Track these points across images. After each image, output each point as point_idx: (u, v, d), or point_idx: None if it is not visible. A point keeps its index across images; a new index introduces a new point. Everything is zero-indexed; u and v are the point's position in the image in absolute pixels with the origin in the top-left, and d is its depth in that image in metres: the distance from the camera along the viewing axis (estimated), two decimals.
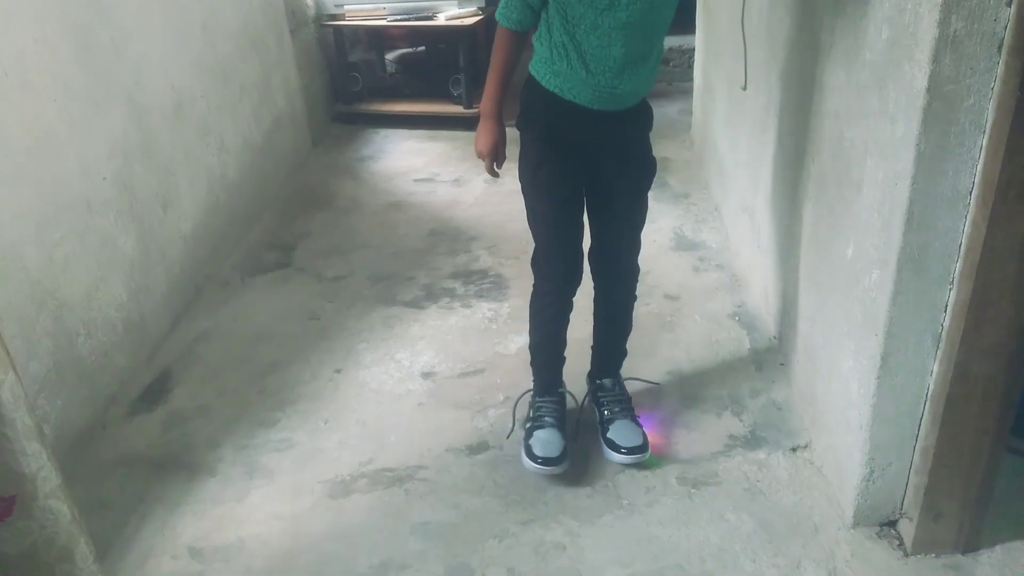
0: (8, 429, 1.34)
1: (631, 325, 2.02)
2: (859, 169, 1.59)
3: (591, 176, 1.77)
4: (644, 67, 1.66)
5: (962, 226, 1.40)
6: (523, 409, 2.03)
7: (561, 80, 1.66)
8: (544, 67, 1.69)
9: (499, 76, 1.74)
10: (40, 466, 1.40)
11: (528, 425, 1.94)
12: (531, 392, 2.02)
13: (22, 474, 1.37)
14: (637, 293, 1.98)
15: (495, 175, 1.85)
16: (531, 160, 1.76)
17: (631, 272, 1.94)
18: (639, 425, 1.93)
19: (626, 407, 1.97)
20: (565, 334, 1.96)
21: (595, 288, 1.95)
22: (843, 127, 1.67)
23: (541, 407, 1.96)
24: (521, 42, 1.73)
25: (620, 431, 1.91)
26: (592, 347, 2.04)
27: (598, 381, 2.03)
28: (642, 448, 1.88)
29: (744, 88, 1.90)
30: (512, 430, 2.00)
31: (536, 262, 1.87)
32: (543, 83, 1.69)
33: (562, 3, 1.59)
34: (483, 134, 1.79)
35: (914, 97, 1.34)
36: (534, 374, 2.01)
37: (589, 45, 1.60)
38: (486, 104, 1.78)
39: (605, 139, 1.74)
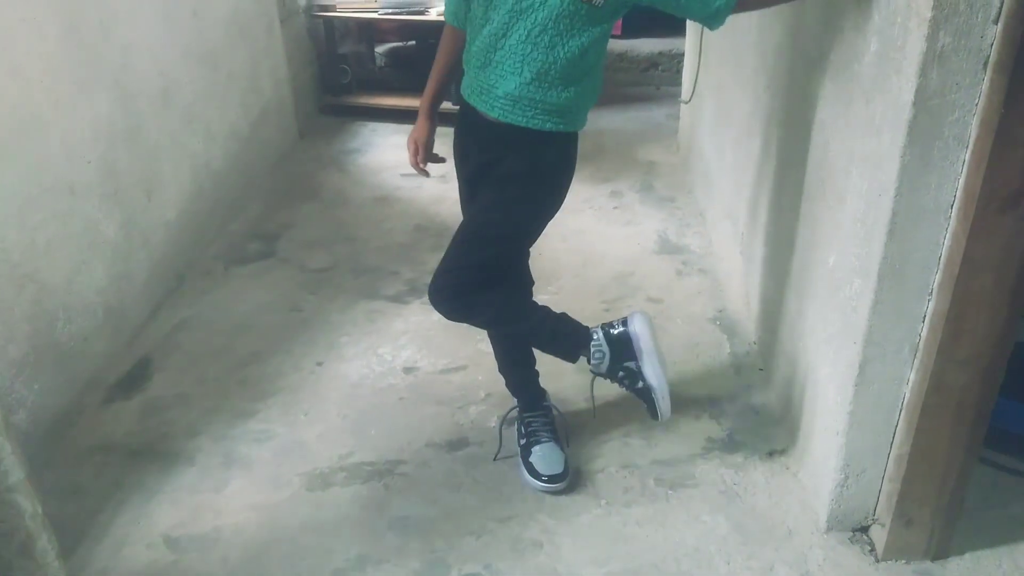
0: None
1: (530, 353, 1.93)
2: (843, 179, 1.61)
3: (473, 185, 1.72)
4: (509, 57, 1.51)
5: (942, 238, 1.43)
6: (510, 428, 1.98)
7: (464, 79, 1.64)
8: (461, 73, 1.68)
9: (435, 70, 1.76)
10: (2, 458, 1.38)
11: (523, 442, 1.91)
12: (516, 408, 1.99)
13: None
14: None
15: (420, 172, 1.83)
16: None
17: (438, 286, 1.66)
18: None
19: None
20: (524, 350, 1.92)
21: None
22: (829, 137, 1.69)
23: (532, 422, 1.93)
24: (461, 38, 1.68)
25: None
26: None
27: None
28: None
29: (687, 102, 1.89)
30: (499, 449, 1.96)
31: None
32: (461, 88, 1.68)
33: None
34: (418, 128, 1.81)
35: (900, 110, 1.36)
36: (513, 395, 1.99)
37: (471, 29, 1.57)
38: (424, 100, 1.79)
39: (480, 145, 1.64)
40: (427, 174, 1.86)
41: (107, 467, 1.94)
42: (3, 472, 1.37)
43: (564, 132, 1.60)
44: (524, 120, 1.56)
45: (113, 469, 1.93)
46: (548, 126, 1.57)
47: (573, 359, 1.78)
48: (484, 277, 1.63)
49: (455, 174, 1.79)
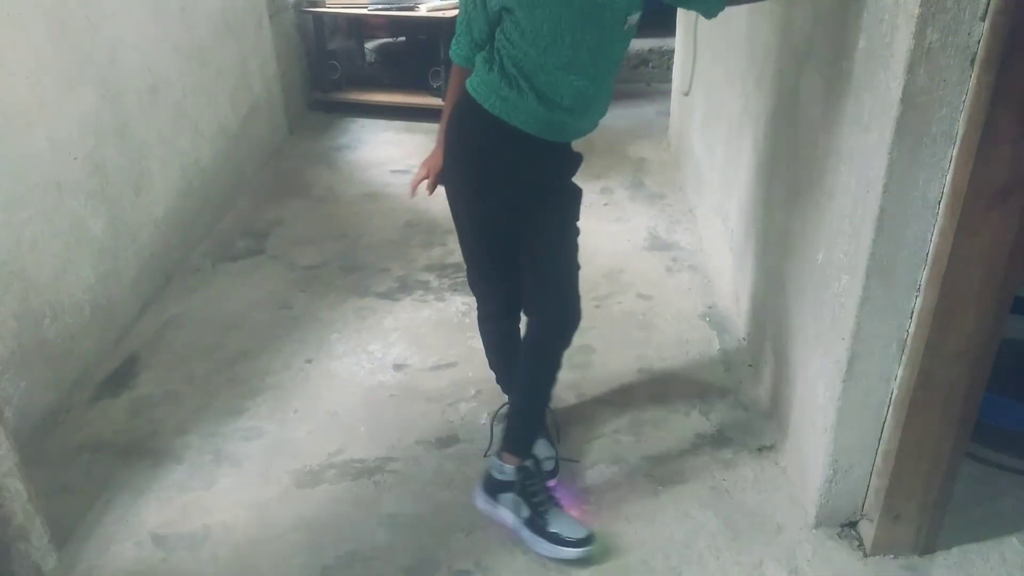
0: None
1: (548, 396, 1.81)
2: (832, 176, 1.61)
3: (518, 207, 1.69)
4: (596, 103, 1.62)
5: (930, 235, 1.43)
6: (501, 424, 1.94)
7: (509, 106, 1.58)
8: (488, 90, 1.59)
9: (450, 104, 1.72)
10: None
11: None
12: (507, 405, 1.94)
13: None
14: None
15: (419, 192, 1.80)
16: (467, 189, 1.70)
17: (577, 300, 1.72)
18: (553, 446, 1.88)
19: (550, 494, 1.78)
20: (517, 344, 1.83)
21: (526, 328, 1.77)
22: (818, 134, 1.69)
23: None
24: (469, 73, 1.68)
25: (562, 522, 1.71)
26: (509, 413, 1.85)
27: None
28: (553, 473, 1.81)
29: (687, 94, 1.90)
30: (490, 446, 1.95)
31: (471, 285, 1.88)
32: (484, 105, 1.59)
33: (508, 41, 1.55)
34: (435, 156, 1.77)
35: (888, 106, 1.36)
36: (504, 391, 1.99)
37: (539, 82, 1.56)
38: (441, 130, 1.75)
39: (544, 168, 1.67)
40: (427, 194, 1.82)
41: (95, 465, 1.93)
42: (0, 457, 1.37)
43: None
44: (593, 128, 1.69)
45: (101, 467, 1.92)
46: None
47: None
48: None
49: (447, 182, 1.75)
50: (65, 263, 2.14)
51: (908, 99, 1.32)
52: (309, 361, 2.29)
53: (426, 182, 1.79)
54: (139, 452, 1.97)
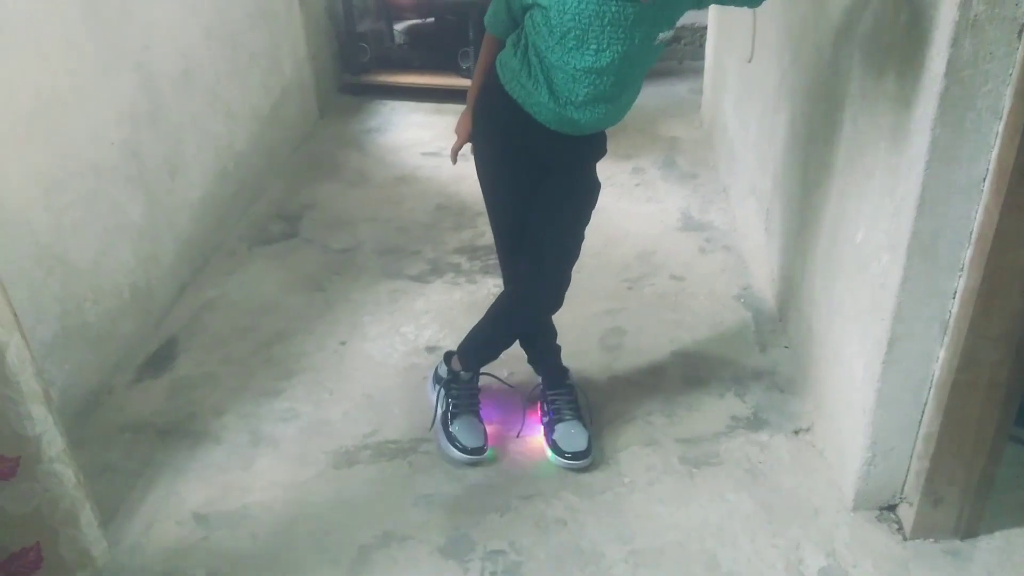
0: (12, 391, 1.35)
1: (552, 326, 1.97)
2: (872, 153, 1.58)
3: (534, 190, 1.74)
4: (613, 105, 1.62)
5: (974, 213, 1.40)
6: (533, 406, 2.01)
7: (525, 94, 1.62)
8: (511, 74, 1.64)
9: (481, 73, 1.75)
10: (45, 430, 1.41)
11: (546, 419, 1.93)
12: (540, 386, 2.00)
13: (26, 436, 1.39)
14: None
15: (455, 160, 1.86)
16: (487, 156, 1.76)
17: (564, 287, 1.82)
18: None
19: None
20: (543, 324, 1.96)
21: None
22: (857, 111, 1.66)
23: (555, 400, 1.94)
24: (502, 43, 1.71)
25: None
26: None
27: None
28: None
29: (750, 61, 1.86)
30: (522, 427, 1.96)
31: (500, 260, 1.90)
32: (506, 87, 1.65)
33: (535, 30, 1.56)
34: (464, 120, 1.81)
35: (931, 81, 1.33)
36: (536, 371, 2.01)
37: (556, 78, 1.57)
38: (470, 96, 1.79)
39: (557, 155, 1.70)
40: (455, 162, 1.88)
41: (136, 446, 1.97)
42: (48, 443, 1.40)
43: None
44: (610, 126, 1.69)
45: (142, 448, 1.96)
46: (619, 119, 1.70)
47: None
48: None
49: (475, 154, 1.78)
50: (105, 247, 2.17)
51: (952, 73, 1.29)
52: (343, 343, 2.31)
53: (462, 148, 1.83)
54: (179, 433, 2.01)
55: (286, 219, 2.99)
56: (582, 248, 1.81)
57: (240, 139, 3.01)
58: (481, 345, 1.94)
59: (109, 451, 1.95)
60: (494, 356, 1.98)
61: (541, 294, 1.81)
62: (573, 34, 1.50)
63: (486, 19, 1.70)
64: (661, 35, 1.53)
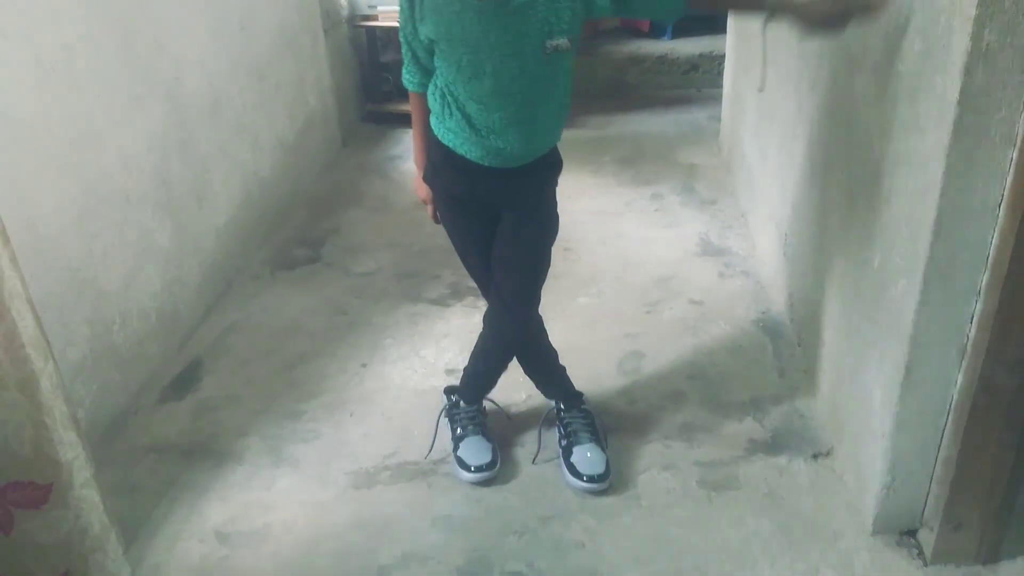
0: (47, 417, 1.36)
1: (550, 351, 2.00)
2: (888, 180, 1.59)
3: (493, 229, 1.77)
4: (532, 129, 1.62)
5: (990, 238, 1.41)
6: (550, 430, 2.01)
7: (452, 136, 1.65)
8: (437, 121, 1.68)
9: (419, 133, 1.81)
10: (76, 455, 1.42)
11: (564, 443, 1.94)
12: (555, 409, 2.02)
13: (58, 462, 1.39)
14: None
15: (437, 221, 1.89)
16: (443, 212, 1.82)
17: (528, 318, 1.87)
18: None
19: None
20: (542, 348, 1.99)
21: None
22: (873, 138, 1.68)
23: (571, 423, 1.95)
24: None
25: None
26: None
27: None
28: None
29: (761, 90, 1.88)
30: (539, 451, 1.97)
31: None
32: (440, 138, 1.68)
33: (440, 71, 1.61)
34: (419, 183, 1.88)
35: (945, 109, 1.34)
36: (546, 396, 2.05)
37: (471, 111, 1.60)
38: (415, 159, 1.87)
39: (501, 194, 1.72)
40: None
41: (161, 465, 2.01)
42: (78, 467, 1.42)
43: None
44: (541, 151, 1.69)
45: (166, 467, 2.00)
46: (557, 140, 1.73)
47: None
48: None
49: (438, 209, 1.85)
50: (134, 271, 2.23)
51: (966, 101, 1.31)
52: (364, 365, 2.34)
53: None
54: (202, 453, 2.04)
55: (309, 244, 3.04)
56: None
57: (265, 167, 3.08)
58: (471, 377, 2.01)
59: (134, 470, 1.99)
60: (491, 385, 2.02)
61: (499, 325, 1.87)
62: (466, 59, 1.53)
63: (403, 79, 1.74)
64: (551, 43, 1.51)
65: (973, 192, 1.38)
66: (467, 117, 1.61)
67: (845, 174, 1.86)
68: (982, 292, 1.44)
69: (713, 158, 3.63)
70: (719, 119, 3.79)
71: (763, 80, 1.79)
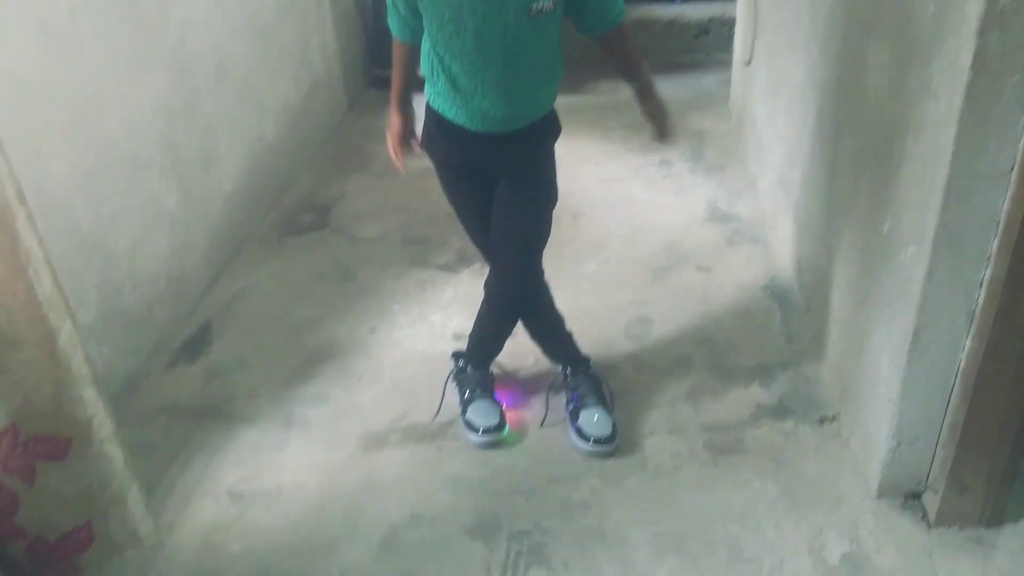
0: (65, 375, 1.40)
1: (557, 316, 1.99)
2: (899, 145, 1.58)
3: (491, 195, 1.78)
4: (517, 91, 1.61)
5: (1001, 203, 1.40)
6: (558, 394, 2.02)
7: (441, 100, 1.65)
8: (429, 87, 1.68)
9: (397, 75, 1.84)
10: (95, 412, 1.46)
11: (571, 406, 1.95)
12: (563, 374, 2.02)
13: (77, 418, 1.43)
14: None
15: (398, 165, 1.90)
16: (441, 180, 1.83)
17: (527, 284, 1.87)
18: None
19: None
20: (550, 314, 2.00)
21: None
22: (884, 102, 1.66)
23: (579, 387, 1.96)
24: (414, 50, 1.76)
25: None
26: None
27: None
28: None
29: (748, 64, 1.87)
30: (546, 415, 1.99)
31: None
32: (432, 103, 1.69)
33: (429, 33, 1.60)
34: (394, 121, 1.89)
35: (958, 73, 1.33)
36: (553, 361, 2.06)
37: (455, 72, 1.59)
38: (393, 96, 1.87)
39: (495, 161, 1.72)
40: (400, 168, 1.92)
41: (173, 427, 2.03)
42: (98, 424, 1.45)
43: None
44: (530, 117, 1.68)
45: (179, 429, 2.02)
46: (548, 105, 1.71)
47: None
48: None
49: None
50: (142, 236, 2.23)
51: (979, 65, 1.29)
52: (372, 330, 2.36)
53: (399, 155, 1.90)
54: (214, 415, 2.07)
55: (316, 210, 3.04)
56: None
57: (271, 132, 3.06)
58: (477, 342, 2.02)
59: (147, 432, 2.01)
60: (497, 349, 2.04)
61: (499, 290, 1.88)
62: (448, 16, 1.53)
63: (389, 22, 1.75)
64: (536, 6, 1.51)
65: (985, 157, 1.37)
66: (452, 79, 1.61)
67: (855, 140, 1.84)
68: (992, 257, 1.44)
69: (722, 124, 3.60)
70: (729, 84, 3.75)
71: (750, 52, 1.77)
